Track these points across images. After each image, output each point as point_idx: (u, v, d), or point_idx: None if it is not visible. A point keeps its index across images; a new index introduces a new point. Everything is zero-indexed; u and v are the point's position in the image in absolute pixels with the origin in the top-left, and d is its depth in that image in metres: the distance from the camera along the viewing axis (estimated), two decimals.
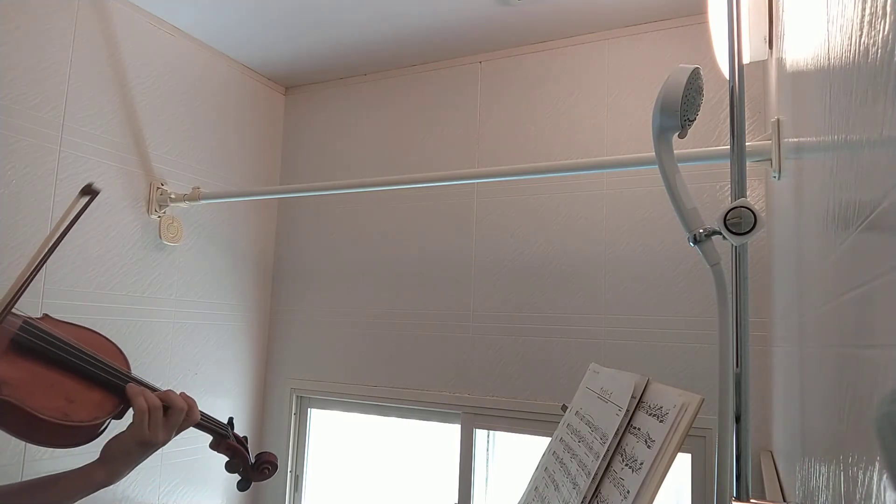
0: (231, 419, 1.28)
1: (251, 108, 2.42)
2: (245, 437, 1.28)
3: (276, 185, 2.54)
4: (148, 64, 2.00)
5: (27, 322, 1.04)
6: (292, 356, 2.41)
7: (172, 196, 2.00)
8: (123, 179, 1.91)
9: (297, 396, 2.40)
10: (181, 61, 2.12)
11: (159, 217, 2.00)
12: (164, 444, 1.09)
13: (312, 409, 2.40)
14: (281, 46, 2.21)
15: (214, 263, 2.23)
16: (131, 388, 1.08)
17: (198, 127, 2.18)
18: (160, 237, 2.00)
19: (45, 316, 1.14)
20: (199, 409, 1.17)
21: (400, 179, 1.98)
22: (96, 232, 1.83)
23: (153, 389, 1.12)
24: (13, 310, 1.02)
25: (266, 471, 1.27)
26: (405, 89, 2.34)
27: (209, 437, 1.25)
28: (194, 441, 2.06)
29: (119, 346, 1.18)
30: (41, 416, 0.96)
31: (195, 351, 2.13)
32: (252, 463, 1.27)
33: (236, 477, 1.26)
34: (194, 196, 2.00)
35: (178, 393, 1.13)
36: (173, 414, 1.09)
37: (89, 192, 1.23)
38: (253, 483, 1.27)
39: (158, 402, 1.08)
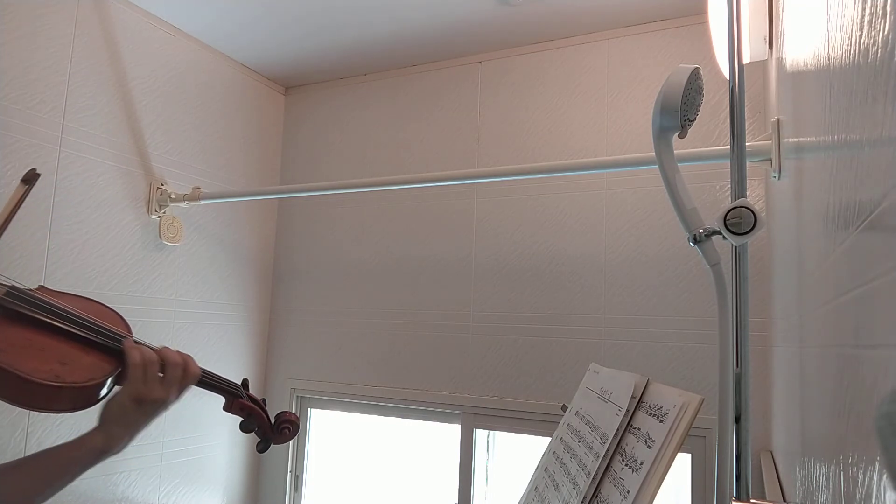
0: (245, 380, 1.25)
1: (251, 108, 2.42)
2: (263, 399, 1.25)
3: (276, 185, 2.54)
4: (148, 64, 2.00)
5: (13, 288, 1.03)
6: (292, 356, 2.41)
7: (172, 196, 2.00)
8: (123, 179, 1.91)
9: (297, 396, 2.40)
10: (181, 61, 2.12)
11: (159, 217, 2.00)
12: (164, 402, 1.04)
13: (312, 409, 2.40)
14: (281, 47, 2.21)
15: (214, 263, 2.23)
16: (128, 341, 1.05)
17: (198, 127, 2.18)
18: (160, 237, 2.00)
19: (41, 287, 1.12)
20: (208, 370, 1.17)
21: (400, 179, 1.99)
22: (96, 232, 1.83)
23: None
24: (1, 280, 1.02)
25: (286, 431, 1.23)
26: (405, 89, 2.34)
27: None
28: (194, 441, 2.06)
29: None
30: (32, 379, 0.94)
31: (195, 351, 2.12)
32: (271, 423, 1.23)
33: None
34: (194, 196, 2.00)
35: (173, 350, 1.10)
36: (169, 368, 1.05)
37: (30, 178, 1.20)
38: (273, 444, 1.24)
39: (155, 356, 1.04)
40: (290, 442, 2.35)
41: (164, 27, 2.05)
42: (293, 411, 2.38)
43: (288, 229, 2.51)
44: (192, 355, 1.18)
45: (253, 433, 1.22)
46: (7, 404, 0.97)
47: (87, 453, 0.99)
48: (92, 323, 1.05)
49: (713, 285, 0.81)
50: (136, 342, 1.07)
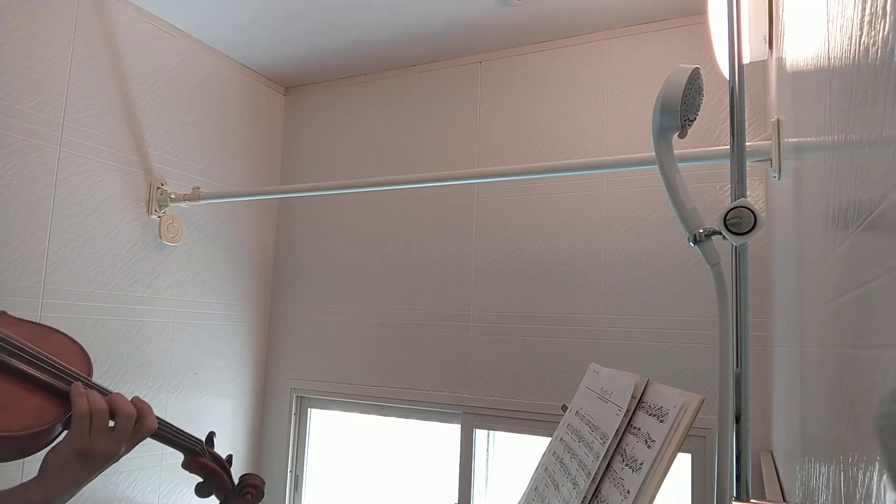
0: (211, 434, 1.14)
1: (251, 108, 2.42)
2: (229, 457, 1.14)
3: (276, 185, 2.54)
4: (148, 64, 2.00)
5: None
6: (292, 356, 2.41)
7: (172, 196, 2.00)
8: (123, 179, 1.91)
9: (297, 396, 2.40)
10: (181, 61, 2.12)
11: (159, 217, 2.00)
12: (113, 455, 0.94)
13: (312, 409, 2.40)
14: (281, 46, 2.21)
15: (214, 263, 2.23)
16: (76, 387, 0.94)
17: (198, 127, 2.18)
18: (160, 237, 2.00)
19: (2, 313, 1.02)
20: (167, 422, 1.06)
21: (400, 179, 1.98)
22: (96, 232, 1.83)
23: (105, 393, 0.97)
24: None
25: (249, 496, 1.12)
26: (405, 89, 2.34)
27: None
28: None
29: (87, 349, 1.06)
30: None
31: (195, 351, 2.13)
32: (233, 487, 1.11)
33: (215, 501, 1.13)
34: (194, 196, 2.00)
35: (130, 398, 0.99)
36: (120, 420, 0.95)
37: None
38: None
39: (104, 406, 0.93)
40: (290, 442, 2.36)
41: (163, 27, 2.05)
42: (293, 412, 2.38)
43: (288, 229, 2.51)
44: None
45: (212, 496, 1.09)
46: None
47: None
48: (45, 361, 0.93)
49: (713, 285, 0.81)
50: (87, 386, 0.96)
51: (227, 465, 1.12)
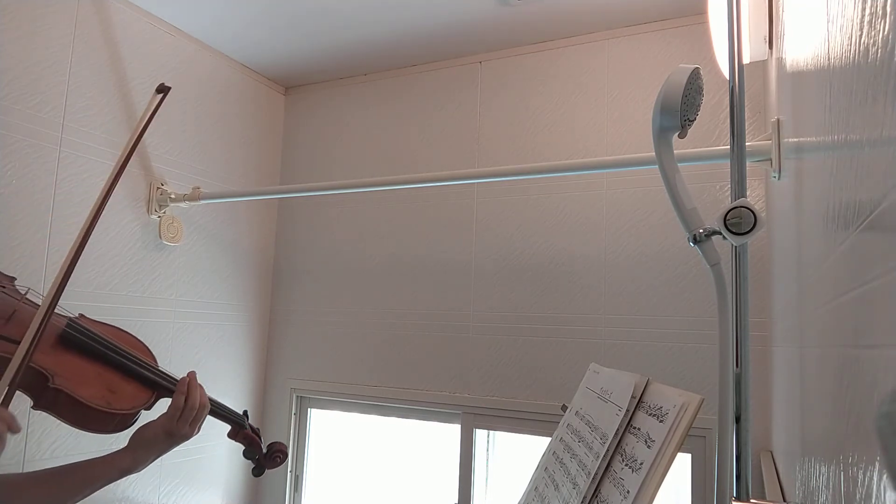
0: (246, 411, 1.38)
1: (251, 108, 2.42)
2: (258, 429, 1.39)
3: (276, 185, 2.53)
4: (148, 64, 2.00)
5: (72, 320, 1.16)
6: (292, 356, 2.41)
7: (172, 196, 2.00)
8: (123, 179, 1.89)
9: (297, 396, 2.40)
10: (181, 61, 2.12)
11: (159, 217, 2.00)
12: (188, 438, 1.17)
13: (312, 409, 2.40)
14: (281, 47, 2.21)
15: (214, 263, 2.23)
16: (192, 380, 1.19)
17: (198, 127, 2.18)
18: (160, 237, 2.00)
19: (81, 315, 1.23)
20: (218, 400, 1.30)
21: (400, 179, 1.98)
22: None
23: (174, 381, 1.21)
24: (58, 310, 1.13)
25: (278, 458, 1.40)
26: (405, 89, 2.34)
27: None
28: (194, 441, 2.04)
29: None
30: (88, 404, 1.07)
31: (195, 351, 2.13)
32: (265, 452, 1.39)
33: (248, 467, 1.42)
34: (194, 196, 2.00)
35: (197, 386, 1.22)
36: (202, 410, 1.19)
37: (163, 89, 1.36)
38: (266, 469, 1.40)
39: (206, 401, 1.18)
40: (290, 442, 2.36)
41: (163, 27, 2.05)
42: (293, 412, 2.38)
43: (288, 229, 2.51)
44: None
45: (252, 461, 1.38)
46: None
47: (113, 470, 1.11)
48: (132, 355, 1.19)
49: (713, 285, 0.81)
50: (166, 376, 1.21)
51: (260, 435, 1.39)
